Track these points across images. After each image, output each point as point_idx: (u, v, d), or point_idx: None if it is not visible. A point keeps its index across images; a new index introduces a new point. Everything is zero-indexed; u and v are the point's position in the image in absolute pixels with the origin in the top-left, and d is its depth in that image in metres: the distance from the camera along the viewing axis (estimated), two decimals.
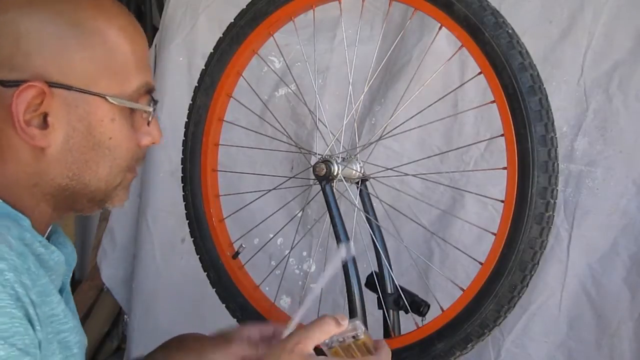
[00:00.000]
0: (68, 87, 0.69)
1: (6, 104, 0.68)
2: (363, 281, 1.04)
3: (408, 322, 1.01)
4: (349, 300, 1.03)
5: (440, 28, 0.97)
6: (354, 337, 0.80)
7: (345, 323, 0.79)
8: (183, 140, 1.19)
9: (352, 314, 1.02)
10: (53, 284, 0.71)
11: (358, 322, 0.81)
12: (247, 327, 0.93)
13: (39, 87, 0.68)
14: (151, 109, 0.77)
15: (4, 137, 0.70)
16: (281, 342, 0.79)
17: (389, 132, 1.12)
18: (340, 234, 1.02)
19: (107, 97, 0.72)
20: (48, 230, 0.79)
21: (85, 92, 0.70)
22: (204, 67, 1.17)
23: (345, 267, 1.03)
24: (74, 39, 0.70)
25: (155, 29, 2.06)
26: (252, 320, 1.11)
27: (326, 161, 1.02)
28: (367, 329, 0.83)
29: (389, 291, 1.04)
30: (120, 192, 0.78)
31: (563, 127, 1.40)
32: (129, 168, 0.77)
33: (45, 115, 0.69)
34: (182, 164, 1.19)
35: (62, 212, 0.78)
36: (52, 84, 0.69)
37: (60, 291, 0.77)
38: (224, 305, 1.14)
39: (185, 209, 1.18)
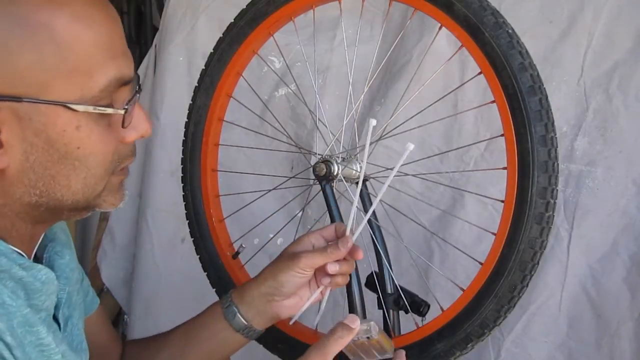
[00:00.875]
0: (17, 99, 0.59)
1: None
2: (363, 281, 1.04)
3: (408, 322, 1.01)
4: (349, 300, 1.03)
5: (440, 28, 0.97)
6: (367, 337, 0.81)
7: (357, 324, 0.79)
8: (183, 140, 1.19)
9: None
10: (39, 313, 0.67)
11: (372, 323, 0.81)
12: (309, 236, 0.91)
13: None
14: (122, 112, 0.66)
15: None
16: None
17: (389, 132, 1.12)
18: None
19: (66, 105, 0.61)
20: (37, 244, 0.73)
21: (37, 102, 0.60)
22: (204, 67, 1.17)
23: None
24: (17, 40, 0.59)
25: (155, 29, 2.06)
26: None
27: (326, 161, 1.02)
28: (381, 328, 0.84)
29: (389, 291, 1.04)
30: (108, 197, 0.70)
31: (563, 127, 1.40)
32: (112, 172, 0.69)
33: None
34: (182, 164, 1.19)
35: (47, 224, 0.72)
36: None
37: (57, 307, 0.73)
38: None
39: (185, 209, 1.18)
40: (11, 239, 0.67)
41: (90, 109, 0.62)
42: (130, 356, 0.98)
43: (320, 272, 0.89)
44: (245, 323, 0.90)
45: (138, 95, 0.69)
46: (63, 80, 0.61)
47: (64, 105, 0.61)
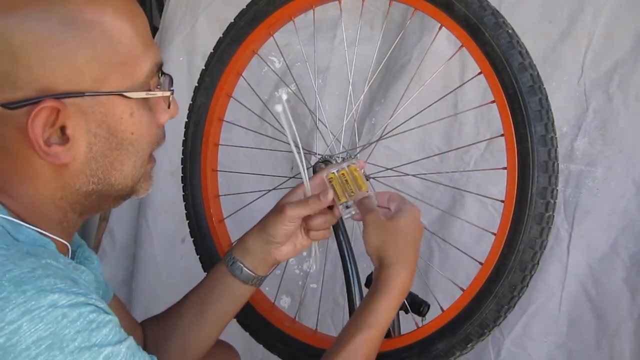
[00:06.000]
0: (80, 95, 0.65)
1: (19, 126, 0.63)
2: (363, 281, 1.04)
3: (408, 322, 1.01)
4: (349, 300, 1.03)
5: (440, 28, 0.97)
6: (347, 165, 0.94)
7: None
8: (183, 140, 1.19)
9: (352, 314, 1.02)
10: None
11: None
12: (288, 194, 0.95)
13: (51, 107, 0.63)
14: (169, 93, 0.74)
15: (22, 158, 0.66)
16: None
17: (389, 132, 1.12)
18: (340, 234, 1.03)
19: (123, 94, 0.67)
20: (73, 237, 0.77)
21: (98, 95, 0.66)
22: (204, 67, 1.17)
23: (345, 267, 1.03)
24: (72, 40, 0.64)
25: (155, 29, 2.06)
26: (251, 320, 1.11)
27: (326, 161, 1.02)
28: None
29: None
30: (144, 182, 0.76)
31: (563, 127, 1.40)
32: (149, 154, 0.75)
33: (63, 128, 0.65)
34: (182, 164, 1.19)
35: (87, 215, 0.76)
36: (62, 96, 0.64)
37: None
38: None
39: (185, 209, 1.18)
40: (61, 230, 0.72)
41: (143, 94, 0.69)
42: (152, 334, 1.01)
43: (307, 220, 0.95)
44: (253, 274, 0.95)
45: (168, 77, 0.75)
46: (117, 71, 0.66)
47: (121, 94, 0.67)
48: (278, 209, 0.93)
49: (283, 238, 0.93)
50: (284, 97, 0.89)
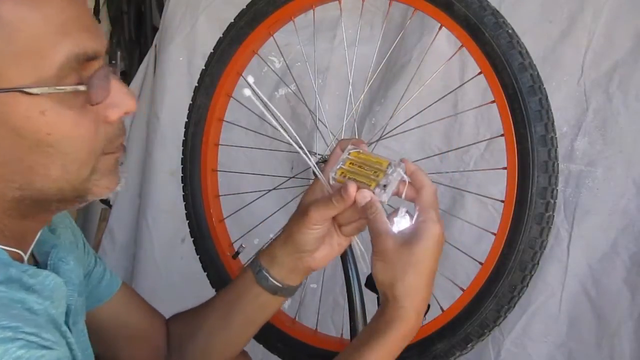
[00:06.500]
0: None
1: None
2: (363, 281, 1.04)
3: None
4: (349, 300, 1.03)
5: (440, 28, 0.97)
6: (349, 153, 0.83)
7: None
8: (183, 140, 1.19)
9: (352, 314, 1.02)
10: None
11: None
12: (309, 192, 0.87)
13: None
14: (83, 87, 0.61)
15: None
16: None
17: (389, 132, 1.12)
18: None
19: (22, 90, 0.57)
20: (32, 243, 0.71)
21: None
22: (204, 67, 1.17)
23: (345, 267, 1.03)
24: None
25: (155, 29, 2.06)
26: None
27: (326, 161, 1.02)
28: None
29: None
30: (101, 180, 0.66)
31: (563, 127, 1.40)
32: (99, 154, 0.65)
33: None
34: (182, 164, 1.19)
35: (38, 219, 0.70)
36: None
37: (67, 314, 0.71)
38: None
39: (185, 209, 1.18)
40: (5, 239, 0.65)
41: (46, 89, 0.58)
42: (176, 331, 0.97)
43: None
44: (280, 285, 0.87)
45: (110, 69, 0.64)
46: (15, 64, 0.57)
47: (20, 90, 0.57)
48: (302, 211, 0.83)
49: (314, 244, 0.83)
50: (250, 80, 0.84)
